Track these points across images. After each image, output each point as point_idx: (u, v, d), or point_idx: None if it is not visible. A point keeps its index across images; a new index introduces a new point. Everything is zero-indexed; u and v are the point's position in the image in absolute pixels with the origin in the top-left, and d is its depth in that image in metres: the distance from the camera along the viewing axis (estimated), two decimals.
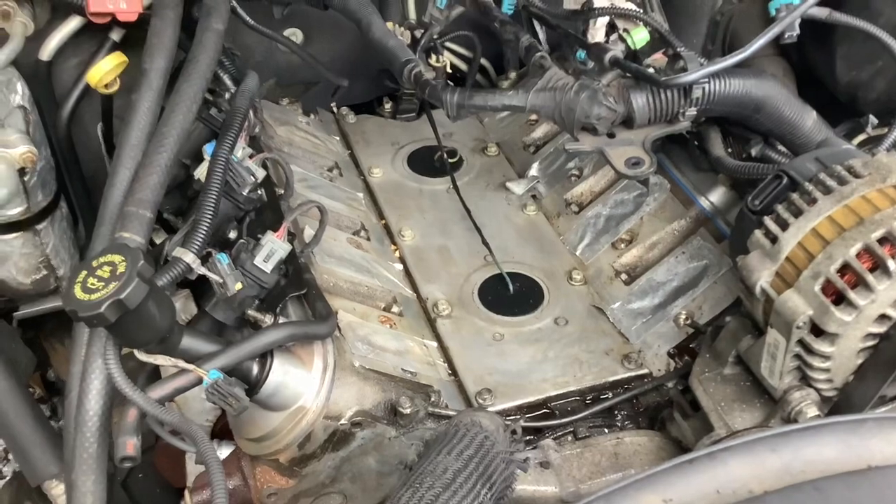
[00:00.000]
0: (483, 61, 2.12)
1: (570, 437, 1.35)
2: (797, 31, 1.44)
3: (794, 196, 1.19)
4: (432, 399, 1.33)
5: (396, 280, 1.60)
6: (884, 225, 1.09)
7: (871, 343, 1.12)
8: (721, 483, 0.84)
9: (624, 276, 1.59)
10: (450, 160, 1.85)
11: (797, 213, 1.17)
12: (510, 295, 1.58)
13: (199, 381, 1.10)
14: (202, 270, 1.19)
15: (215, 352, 1.13)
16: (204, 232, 1.21)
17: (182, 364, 1.10)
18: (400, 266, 1.64)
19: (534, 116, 1.95)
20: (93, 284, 0.98)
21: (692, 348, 1.43)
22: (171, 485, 1.70)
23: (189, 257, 1.17)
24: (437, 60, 1.77)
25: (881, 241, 1.09)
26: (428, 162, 1.90)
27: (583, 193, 1.74)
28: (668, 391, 1.40)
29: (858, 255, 1.09)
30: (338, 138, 1.98)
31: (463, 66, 2.11)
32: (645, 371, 1.44)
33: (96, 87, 1.57)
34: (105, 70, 1.54)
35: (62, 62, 1.73)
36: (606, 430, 1.37)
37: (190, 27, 1.50)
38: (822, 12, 1.46)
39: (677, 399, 1.35)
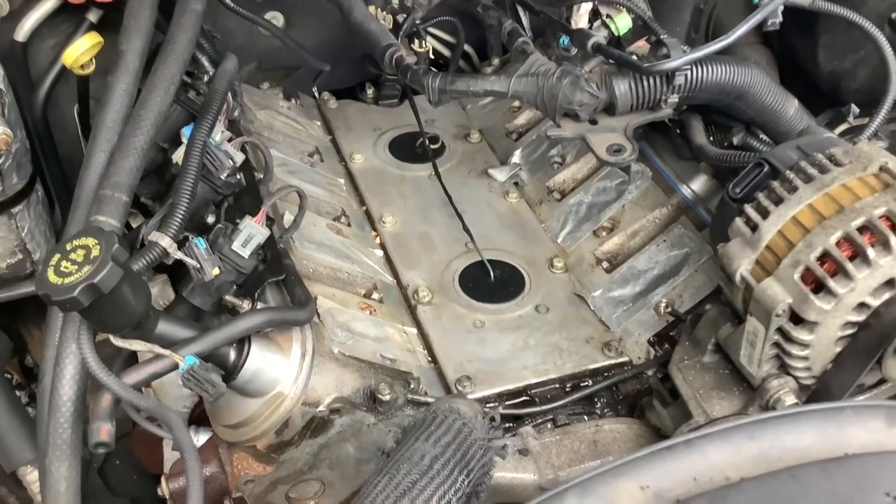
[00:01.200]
0: (466, 47, 2.11)
1: (549, 425, 1.35)
2: (780, 18, 1.44)
3: (775, 184, 1.19)
4: (411, 386, 1.33)
5: (377, 266, 1.59)
6: (864, 213, 1.09)
7: (849, 331, 1.12)
8: (698, 470, 0.84)
9: (605, 264, 1.58)
10: (432, 146, 1.84)
11: (777, 200, 1.17)
12: (491, 282, 1.57)
13: (175, 367, 1.09)
14: (179, 255, 1.18)
15: (192, 337, 1.12)
16: (181, 216, 1.20)
17: (158, 349, 1.09)
18: (380, 252, 1.63)
19: (516, 103, 1.94)
20: (66, 268, 0.96)
21: (672, 336, 1.43)
22: (148, 471, 1.70)
23: (165, 241, 1.16)
24: (420, 46, 1.76)
25: (861, 229, 1.09)
26: (410, 148, 1.88)
27: (565, 181, 1.73)
28: (648, 379, 1.40)
29: (838, 244, 1.09)
30: (319, 123, 1.97)
31: (446, 51, 2.10)
32: (625, 359, 1.43)
33: (72, 68, 1.55)
34: (80, 51, 1.53)
35: (38, 43, 1.71)
36: (586, 418, 1.36)
37: (168, 8, 1.48)
38: (806, 0, 1.45)
39: (657, 387, 1.35)
